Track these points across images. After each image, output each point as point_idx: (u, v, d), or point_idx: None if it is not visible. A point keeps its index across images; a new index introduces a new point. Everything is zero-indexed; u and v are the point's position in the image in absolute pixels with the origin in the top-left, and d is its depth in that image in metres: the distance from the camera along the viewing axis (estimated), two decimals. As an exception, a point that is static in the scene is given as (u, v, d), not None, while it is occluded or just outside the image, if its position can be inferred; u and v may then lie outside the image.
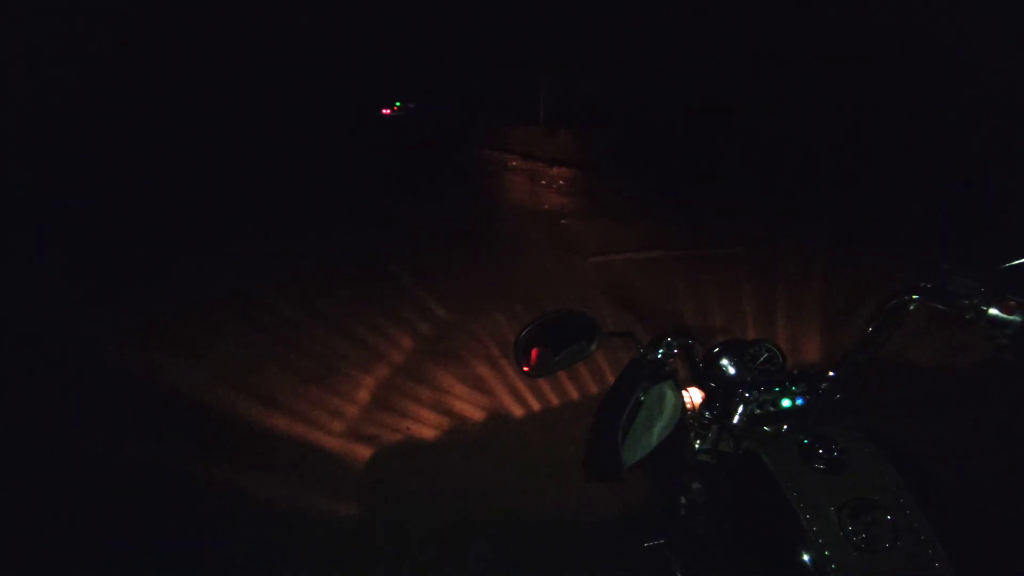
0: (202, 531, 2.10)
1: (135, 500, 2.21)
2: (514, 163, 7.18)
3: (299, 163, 6.84)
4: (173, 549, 2.02)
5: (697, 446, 1.27)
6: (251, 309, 3.60)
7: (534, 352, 1.13)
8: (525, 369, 1.06)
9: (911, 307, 1.02)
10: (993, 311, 0.89)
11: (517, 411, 2.69)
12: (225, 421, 2.64)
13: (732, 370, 1.17)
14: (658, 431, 1.06)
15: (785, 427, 1.14)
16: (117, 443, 2.49)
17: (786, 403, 1.14)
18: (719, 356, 1.19)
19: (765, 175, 5.84)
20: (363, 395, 2.81)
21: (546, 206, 5.68)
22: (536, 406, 2.71)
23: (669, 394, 1.06)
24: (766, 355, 1.20)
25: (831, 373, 1.15)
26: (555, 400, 2.73)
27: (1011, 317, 0.88)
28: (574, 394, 2.75)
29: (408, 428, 2.60)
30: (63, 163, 5.79)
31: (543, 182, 6.44)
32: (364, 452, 2.47)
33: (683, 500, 1.41)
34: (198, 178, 5.89)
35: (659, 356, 1.09)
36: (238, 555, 2.01)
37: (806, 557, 0.91)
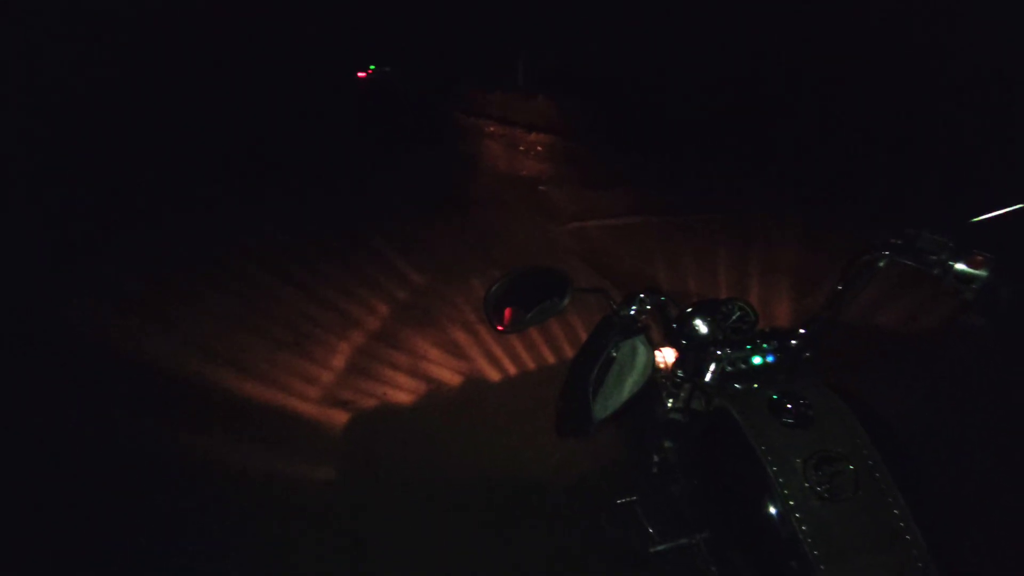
0: (175, 500, 2.08)
1: (105, 469, 2.18)
2: (491, 129, 7.05)
3: (271, 126, 6.61)
4: (146, 518, 2.01)
5: (669, 405, 1.29)
6: (222, 276, 3.52)
7: (507, 310, 1.12)
8: (499, 328, 1.05)
9: (880, 263, 1.04)
10: (960, 266, 0.91)
11: (494, 375, 2.70)
12: (196, 389, 2.60)
13: (704, 329, 1.18)
14: (629, 385, 1.06)
15: (756, 384, 1.16)
16: (86, 414, 2.45)
17: (757, 361, 1.15)
18: (692, 315, 1.19)
19: (744, 143, 5.84)
20: (338, 361, 2.78)
21: (524, 172, 5.61)
22: (512, 370, 2.72)
23: (641, 349, 1.07)
24: (738, 314, 1.21)
25: (801, 331, 1.16)
26: (531, 364, 2.74)
27: (978, 272, 0.89)
28: (550, 357, 2.76)
29: (384, 393, 2.59)
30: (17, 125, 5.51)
31: (521, 148, 6.34)
32: (340, 418, 2.46)
33: (655, 458, 1.44)
34: (162, 142, 5.65)
35: (632, 312, 1.09)
36: (212, 524, 2.00)
37: (772, 507, 0.93)
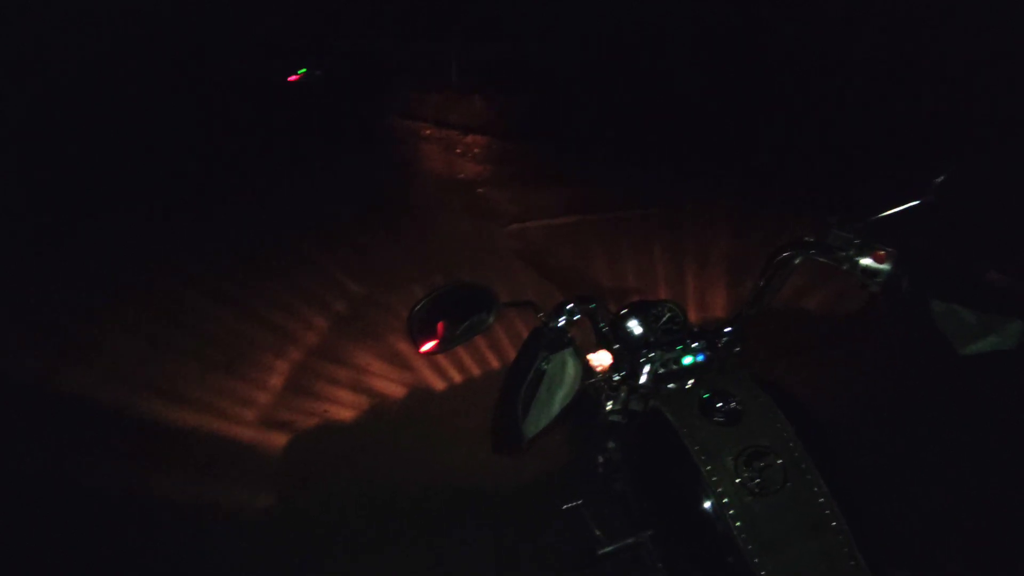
0: (105, 538, 1.95)
1: (34, 512, 2.02)
2: (428, 132, 6.95)
3: (196, 134, 6.29)
4: (78, 556, 1.87)
5: (609, 407, 1.30)
6: (144, 297, 3.30)
7: (440, 326, 1.09)
8: (426, 347, 1.02)
9: (796, 261, 1.08)
10: (865, 261, 0.96)
11: (439, 384, 2.66)
12: (123, 419, 2.44)
13: (636, 331, 1.19)
14: (559, 400, 1.06)
15: (689, 382, 1.19)
16: (6, 449, 2.26)
17: (687, 360, 1.18)
18: (624, 319, 1.21)
19: (679, 136, 6.02)
20: (275, 381, 2.67)
21: (462, 175, 5.56)
22: (457, 377, 2.69)
23: (570, 362, 1.06)
24: (668, 315, 1.23)
25: (727, 329, 1.20)
26: (476, 370, 2.72)
27: (881, 266, 0.94)
28: (495, 362, 2.75)
29: (326, 411, 2.51)
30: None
31: (458, 151, 6.29)
32: (280, 440, 2.37)
33: (600, 459, 1.45)
34: (78, 153, 5.26)
35: (560, 324, 1.09)
36: (148, 561, 1.88)
37: (707, 504, 0.95)
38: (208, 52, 8.13)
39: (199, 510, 2.06)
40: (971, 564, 1.74)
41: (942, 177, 0.94)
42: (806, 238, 1.04)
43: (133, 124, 6.10)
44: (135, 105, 6.41)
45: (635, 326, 1.20)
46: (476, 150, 6.23)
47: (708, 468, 0.96)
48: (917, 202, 0.96)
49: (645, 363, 1.17)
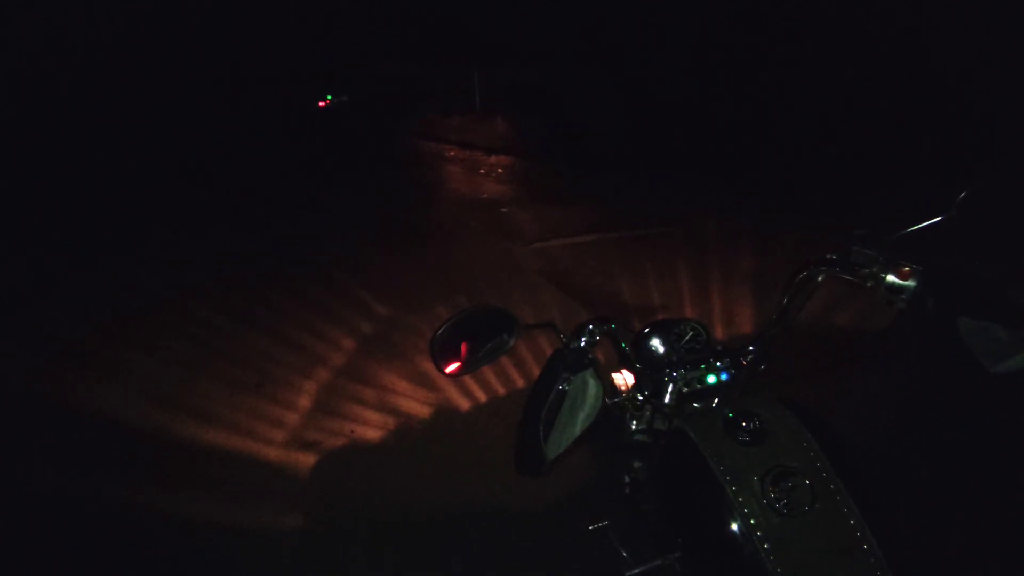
0: (134, 557, 1.99)
1: (66, 531, 2.07)
2: (451, 153, 7.07)
3: (230, 158, 6.50)
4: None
5: (634, 427, 1.30)
6: (173, 318, 3.40)
7: (463, 348, 1.11)
8: (450, 369, 1.04)
9: (819, 278, 1.07)
10: (890, 278, 0.94)
11: (464, 404, 2.67)
12: (153, 440, 2.50)
13: (659, 351, 1.19)
14: (580, 421, 1.06)
15: (716, 401, 1.18)
16: (36, 475, 2.33)
17: (712, 379, 1.17)
18: (646, 338, 1.21)
19: (698, 155, 6.01)
20: (303, 401, 2.72)
21: (485, 195, 5.63)
22: (482, 397, 2.70)
23: (591, 383, 1.07)
24: (691, 334, 1.23)
25: (751, 347, 1.19)
26: (501, 389, 2.72)
27: (906, 283, 0.93)
28: (519, 381, 2.75)
29: (352, 431, 2.54)
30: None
31: (481, 171, 6.38)
32: (307, 460, 2.40)
33: (626, 479, 1.44)
34: (101, 173, 5.44)
35: (582, 345, 1.09)
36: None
37: (733, 526, 0.94)
38: (240, 80, 8.45)
39: (225, 529, 2.09)
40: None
41: (966, 192, 0.93)
42: (829, 255, 1.03)
43: (167, 147, 6.32)
44: (170, 129, 6.64)
45: (657, 345, 1.20)
46: (499, 170, 6.31)
47: (734, 489, 0.95)
48: (941, 218, 0.95)
49: (668, 382, 1.16)
